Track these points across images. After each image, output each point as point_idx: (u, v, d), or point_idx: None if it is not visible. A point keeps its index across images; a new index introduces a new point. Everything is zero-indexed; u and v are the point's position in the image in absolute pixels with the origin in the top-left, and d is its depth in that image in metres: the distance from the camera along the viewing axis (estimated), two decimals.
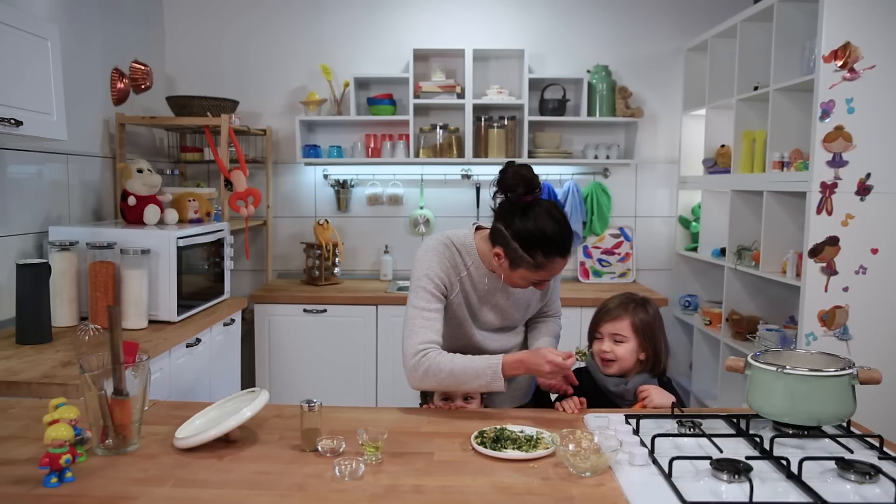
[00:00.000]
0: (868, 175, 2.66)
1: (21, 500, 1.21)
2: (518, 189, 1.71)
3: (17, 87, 2.09)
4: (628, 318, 1.89)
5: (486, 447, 1.44)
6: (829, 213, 2.68)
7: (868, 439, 1.48)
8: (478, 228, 1.91)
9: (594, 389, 1.90)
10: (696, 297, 3.95)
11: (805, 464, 1.29)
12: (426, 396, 1.96)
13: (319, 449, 1.42)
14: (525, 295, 1.92)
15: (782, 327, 3.12)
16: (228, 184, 3.40)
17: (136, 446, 1.44)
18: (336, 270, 3.90)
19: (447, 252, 1.84)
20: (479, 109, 3.91)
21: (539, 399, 2.05)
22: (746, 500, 1.19)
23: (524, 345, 2.02)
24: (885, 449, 1.42)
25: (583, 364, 1.91)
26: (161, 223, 2.87)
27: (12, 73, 2.07)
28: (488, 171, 4.04)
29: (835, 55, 2.62)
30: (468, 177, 4.04)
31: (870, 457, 1.38)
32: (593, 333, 1.95)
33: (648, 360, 1.89)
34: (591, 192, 4.00)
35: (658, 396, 1.77)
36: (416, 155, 3.93)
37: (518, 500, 1.23)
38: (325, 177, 4.08)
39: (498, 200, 1.78)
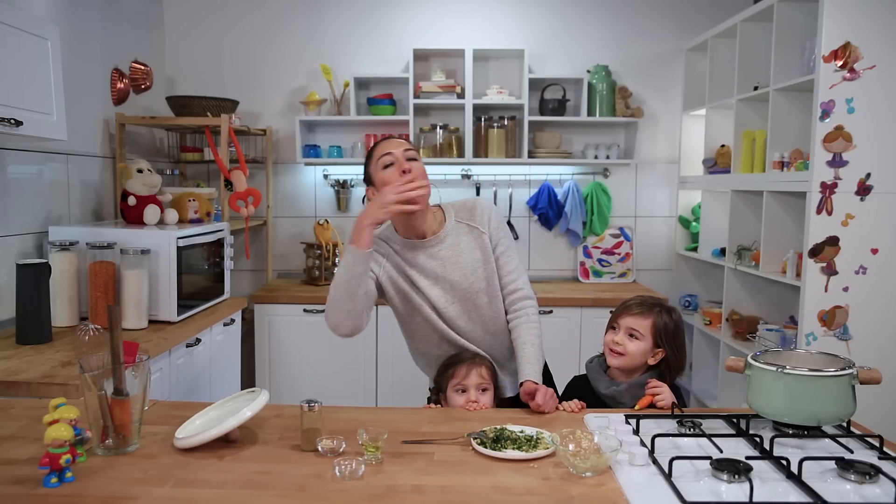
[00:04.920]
0: (868, 175, 2.66)
1: (21, 500, 1.21)
2: None
3: (17, 87, 2.09)
4: (651, 318, 1.85)
5: (486, 447, 1.44)
6: (829, 213, 2.69)
7: (868, 439, 1.47)
8: None
9: (588, 392, 1.89)
10: (696, 297, 3.95)
11: (805, 464, 1.29)
12: (438, 393, 1.95)
13: (319, 449, 1.42)
14: (453, 251, 1.93)
15: (782, 327, 3.12)
16: (228, 184, 3.40)
17: (136, 446, 1.44)
18: (336, 270, 3.89)
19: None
20: (479, 109, 3.90)
21: None
22: (746, 500, 1.19)
23: (511, 350, 1.97)
24: (885, 449, 1.42)
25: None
26: (161, 223, 2.87)
27: (12, 73, 2.07)
28: (488, 171, 4.04)
29: (835, 55, 2.62)
30: (468, 177, 4.04)
31: (870, 457, 1.38)
32: (611, 324, 1.92)
33: (660, 366, 1.86)
34: (591, 192, 4.00)
35: (669, 396, 1.75)
36: None
37: (518, 500, 1.23)
38: (325, 177, 4.08)
39: None
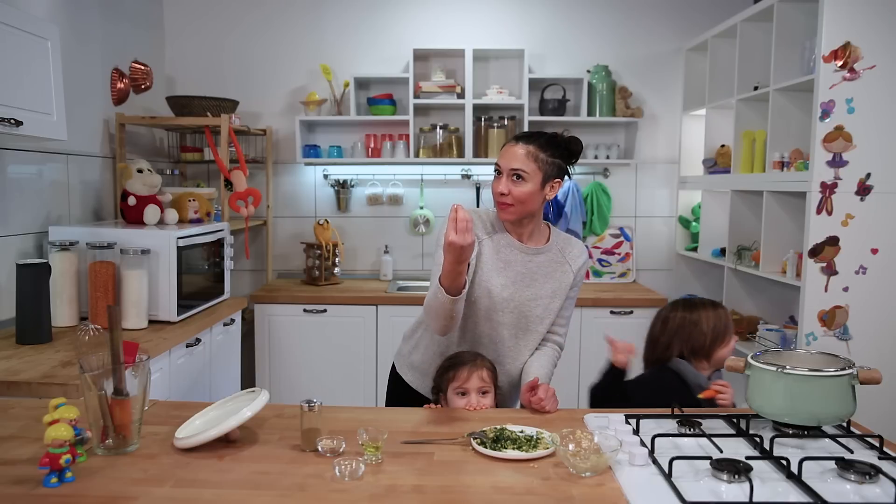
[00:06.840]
0: (868, 175, 2.66)
1: (21, 500, 1.21)
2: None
3: (17, 87, 2.09)
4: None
5: (486, 447, 1.44)
6: (829, 213, 2.68)
7: (868, 439, 1.47)
8: None
9: (677, 385, 1.93)
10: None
11: (805, 464, 1.29)
12: (437, 393, 1.95)
13: (319, 449, 1.42)
14: (540, 268, 1.94)
15: (782, 327, 3.12)
16: (228, 184, 3.40)
17: (136, 446, 1.44)
18: (336, 270, 3.90)
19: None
20: (479, 109, 3.91)
21: None
22: (746, 500, 1.19)
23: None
24: (885, 449, 1.42)
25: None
26: (161, 223, 2.87)
27: (12, 73, 2.07)
28: (488, 171, 4.04)
29: (835, 55, 2.62)
30: (468, 177, 4.04)
31: (870, 457, 1.38)
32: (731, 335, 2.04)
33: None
34: (591, 192, 4.00)
35: (731, 398, 1.86)
36: (416, 155, 3.93)
37: (518, 500, 1.23)
38: (325, 177, 4.08)
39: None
